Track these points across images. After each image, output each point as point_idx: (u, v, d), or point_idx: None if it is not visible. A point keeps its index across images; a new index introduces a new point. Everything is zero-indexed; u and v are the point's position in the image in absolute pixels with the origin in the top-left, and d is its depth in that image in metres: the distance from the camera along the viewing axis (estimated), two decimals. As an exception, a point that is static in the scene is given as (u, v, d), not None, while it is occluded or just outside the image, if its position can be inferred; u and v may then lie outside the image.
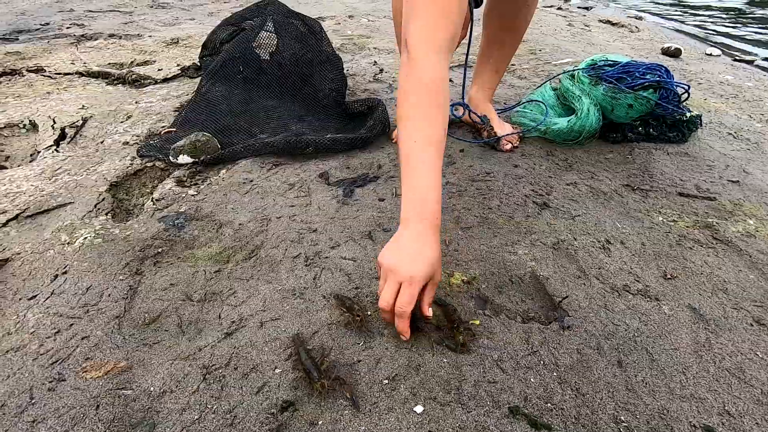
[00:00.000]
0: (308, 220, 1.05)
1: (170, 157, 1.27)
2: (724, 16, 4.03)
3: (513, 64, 2.15)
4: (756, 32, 3.39)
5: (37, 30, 2.64)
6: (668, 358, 0.73)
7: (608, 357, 0.73)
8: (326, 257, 0.93)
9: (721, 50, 2.72)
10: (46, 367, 0.70)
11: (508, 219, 1.05)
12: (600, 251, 0.96)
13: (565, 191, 1.17)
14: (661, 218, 1.07)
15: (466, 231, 1.01)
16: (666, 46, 2.55)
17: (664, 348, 0.74)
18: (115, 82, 1.90)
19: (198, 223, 1.04)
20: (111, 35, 2.59)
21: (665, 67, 1.39)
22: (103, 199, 1.11)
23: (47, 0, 3.40)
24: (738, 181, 1.21)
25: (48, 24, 2.76)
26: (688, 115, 1.39)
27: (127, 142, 1.39)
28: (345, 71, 1.70)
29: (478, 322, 0.78)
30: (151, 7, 3.41)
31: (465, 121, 1.49)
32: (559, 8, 3.92)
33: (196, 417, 0.63)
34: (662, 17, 3.94)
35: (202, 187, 1.18)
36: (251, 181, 1.20)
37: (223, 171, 1.25)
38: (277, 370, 0.70)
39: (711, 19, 3.87)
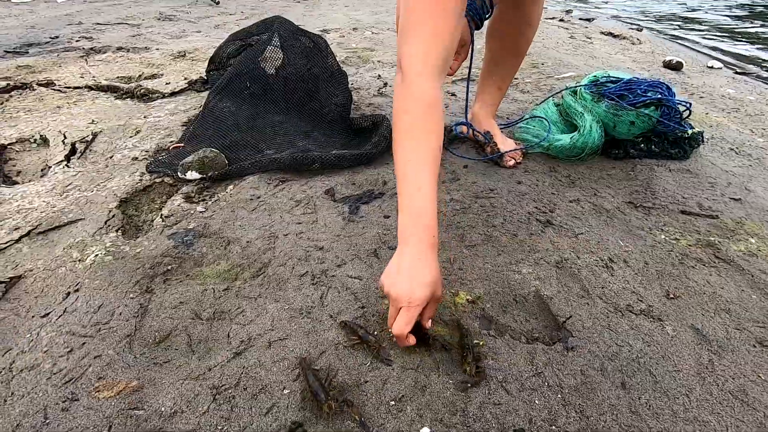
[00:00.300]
0: (315, 237, 1.06)
1: (179, 173, 1.29)
2: (724, 27, 4.06)
3: (515, 78, 2.18)
4: (757, 44, 3.41)
5: (46, 43, 2.69)
6: (671, 380, 0.74)
7: (612, 378, 0.74)
8: (333, 276, 0.95)
9: (723, 63, 2.74)
10: (60, 386, 0.71)
11: (512, 237, 1.07)
12: (603, 270, 0.97)
13: (568, 208, 1.18)
14: (663, 236, 1.08)
15: (470, 249, 1.03)
16: (667, 59, 2.57)
17: (667, 370, 0.75)
18: (124, 96, 1.93)
19: (206, 240, 1.06)
20: (119, 48, 2.63)
21: (667, 84, 1.41)
22: (113, 216, 1.13)
23: (57, 13, 3.46)
24: (740, 198, 1.22)
25: (57, 37, 2.81)
26: (689, 132, 1.41)
27: (136, 158, 1.41)
28: (350, 85, 1.73)
29: (482, 343, 0.79)
30: (159, 19, 3.47)
31: (469, 138, 1.51)
32: (561, 20, 3.96)
33: (206, 438, 0.64)
34: (660, 31, 3.97)
35: (210, 203, 1.20)
36: (258, 197, 1.22)
37: (231, 187, 1.27)
38: (285, 391, 0.71)
39: (711, 32, 3.89)
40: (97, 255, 1.00)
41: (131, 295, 0.89)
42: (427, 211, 0.76)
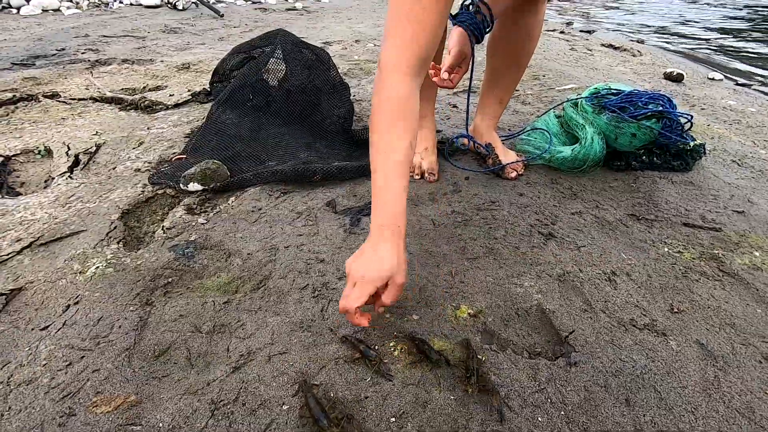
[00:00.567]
0: (316, 249, 1.06)
1: (181, 185, 1.30)
2: (723, 39, 4.08)
3: (517, 90, 2.19)
4: (757, 55, 3.43)
5: (53, 55, 2.72)
6: (677, 396, 0.73)
7: (616, 395, 0.73)
8: (333, 288, 0.94)
9: (724, 75, 2.75)
10: (57, 401, 0.71)
11: (513, 250, 1.06)
12: (606, 283, 0.97)
13: (570, 221, 1.18)
14: (666, 249, 1.08)
15: (472, 262, 1.02)
16: (668, 70, 2.58)
17: (672, 386, 0.74)
18: (128, 107, 1.95)
19: (207, 252, 1.06)
20: (124, 60, 2.66)
21: (667, 97, 1.41)
22: (115, 228, 1.13)
23: (63, 26, 3.51)
24: (743, 211, 1.21)
25: (64, 49, 2.84)
26: (691, 144, 1.41)
27: (139, 169, 1.42)
28: (352, 97, 1.74)
29: (483, 359, 0.78)
30: (164, 32, 3.51)
31: (470, 150, 1.52)
32: (562, 32, 3.99)
33: (204, 455, 0.63)
34: (661, 43, 3.99)
35: (211, 215, 1.20)
36: (260, 209, 1.22)
37: (232, 198, 1.27)
38: (284, 407, 0.70)
39: (712, 43, 3.92)
40: (98, 267, 1.00)
41: (131, 308, 0.89)
42: (395, 203, 0.80)
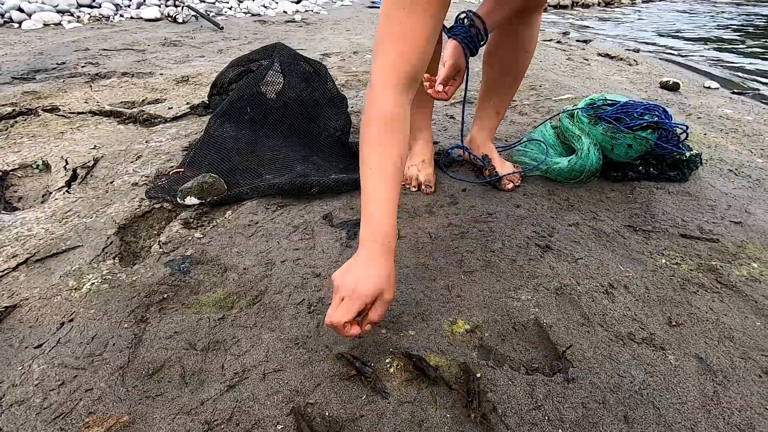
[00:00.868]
0: (312, 263, 1.06)
1: (178, 199, 1.30)
2: (719, 47, 4.11)
3: (514, 100, 2.20)
4: (752, 63, 3.45)
5: (53, 69, 2.74)
6: (675, 413, 0.72)
7: (614, 411, 0.72)
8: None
9: (720, 83, 2.76)
10: (49, 422, 0.70)
11: (510, 262, 1.06)
12: (603, 296, 0.96)
13: (567, 232, 1.17)
14: (664, 261, 1.07)
15: (469, 275, 1.02)
16: (664, 79, 2.60)
17: (671, 402, 0.73)
18: (127, 121, 1.96)
19: (203, 267, 1.05)
20: (124, 73, 2.68)
21: (663, 107, 1.42)
22: (111, 243, 1.13)
23: (64, 40, 3.55)
24: (740, 222, 1.21)
25: (64, 63, 2.87)
26: (687, 154, 1.41)
27: (136, 183, 1.42)
28: (350, 108, 1.75)
29: (480, 375, 0.77)
30: (163, 45, 3.54)
31: (467, 161, 1.52)
32: (559, 42, 4.03)
33: (196, 477, 0.62)
34: (657, 52, 4.02)
35: (208, 229, 1.20)
36: (256, 222, 1.22)
37: (229, 212, 1.27)
38: (279, 426, 0.69)
39: (708, 52, 3.94)
40: (93, 283, 0.99)
41: (125, 325, 0.88)
42: (384, 220, 0.80)
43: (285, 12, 5.57)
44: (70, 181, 1.45)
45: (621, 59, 3.34)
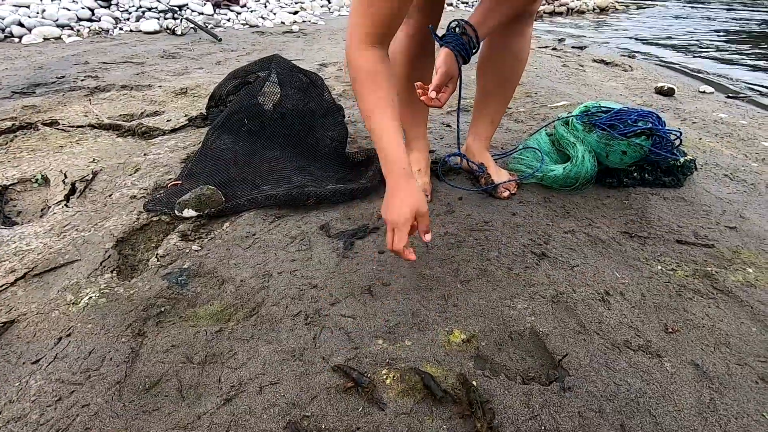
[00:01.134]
0: (309, 275, 1.06)
1: (176, 211, 1.30)
2: (714, 52, 4.14)
3: (509, 108, 2.22)
4: (747, 67, 3.48)
5: (53, 83, 2.77)
6: (672, 421, 0.72)
7: (611, 420, 0.72)
8: (326, 315, 0.94)
9: (714, 87, 2.78)
10: (46, 438, 0.70)
11: (507, 271, 1.06)
12: (599, 304, 0.96)
13: (563, 240, 1.18)
14: (660, 267, 1.08)
15: (464, 284, 1.02)
16: (659, 85, 2.62)
17: (667, 410, 0.73)
18: (125, 134, 1.97)
19: (201, 280, 1.06)
20: (123, 86, 2.70)
21: (656, 114, 1.43)
22: (109, 256, 1.14)
23: (64, 53, 3.58)
24: (735, 227, 1.22)
25: (64, 77, 2.89)
26: (682, 160, 1.42)
27: (135, 196, 1.43)
28: (346, 118, 1.76)
29: (476, 384, 0.77)
30: (162, 57, 3.58)
31: (464, 169, 1.53)
32: (554, 49, 4.06)
33: (192, 492, 0.62)
34: (652, 57, 4.05)
35: (205, 241, 1.21)
36: (254, 234, 1.22)
37: (227, 224, 1.28)
38: (275, 440, 0.69)
39: (702, 56, 3.97)
40: (90, 297, 1.00)
41: (123, 339, 0.89)
42: (394, 152, 0.93)
43: (283, 23, 5.63)
44: (69, 195, 1.46)
45: (616, 65, 3.37)
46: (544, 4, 7.37)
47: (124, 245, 1.21)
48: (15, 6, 4.38)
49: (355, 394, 0.76)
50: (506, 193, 1.38)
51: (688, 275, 1.04)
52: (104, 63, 3.31)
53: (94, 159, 1.70)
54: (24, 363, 0.84)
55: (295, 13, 6.12)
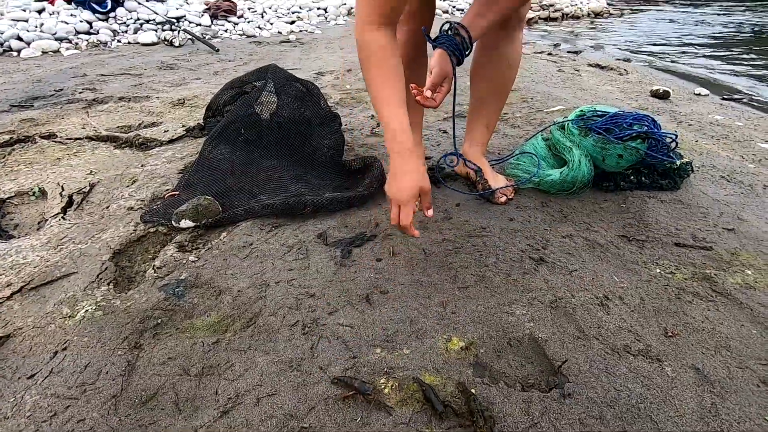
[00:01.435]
0: (306, 284, 1.06)
1: (173, 222, 1.30)
2: (709, 55, 4.17)
3: (506, 113, 2.22)
4: (742, 69, 3.50)
5: (51, 96, 2.78)
6: (674, 426, 0.71)
7: (611, 427, 0.71)
8: (323, 324, 0.93)
9: (709, 90, 2.79)
10: (41, 454, 0.69)
11: (505, 277, 1.06)
12: (598, 308, 0.96)
13: (561, 244, 1.17)
14: (658, 270, 1.07)
15: (463, 291, 1.01)
16: (654, 88, 2.63)
17: (668, 415, 0.73)
18: (123, 145, 1.98)
19: (198, 291, 1.05)
20: (121, 98, 2.71)
21: (651, 117, 1.43)
22: (106, 269, 1.13)
23: (62, 66, 3.60)
24: (733, 229, 1.22)
25: (62, 90, 2.90)
26: (678, 162, 1.42)
27: (132, 207, 1.43)
28: (343, 126, 1.76)
29: (475, 392, 0.77)
30: (160, 68, 3.59)
31: (459, 172, 1.53)
32: (550, 54, 4.08)
33: (189, 508, 0.62)
34: (647, 61, 4.08)
35: (203, 251, 1.20)
36: (251, 244, 1.22)
37: (224, 234, 1.28)
38: (272, 452, 0.69)
39: (696, 59, 4.00)
40: (87, 310, 0.99)
41: (119, 352, 0.88)
42: (399, 131, 0.98)
43: (280, 32, 5.67)
44: (66, 208, 1.46)
45: (611, 69, 3.39)
46: (539, 10, 7.43)
47: (121, 257, 1.20)
48: (14, 21, 4.42)
49: (354, 404, 0.75)
50: (503, 199, 1.37)
51: (686, 278, 1.04)
52: (102, 75, 3.32)
53: (91, 171, 1.70)
54: (20, 378, 0.84)
55: (292, 23, 6.16)
